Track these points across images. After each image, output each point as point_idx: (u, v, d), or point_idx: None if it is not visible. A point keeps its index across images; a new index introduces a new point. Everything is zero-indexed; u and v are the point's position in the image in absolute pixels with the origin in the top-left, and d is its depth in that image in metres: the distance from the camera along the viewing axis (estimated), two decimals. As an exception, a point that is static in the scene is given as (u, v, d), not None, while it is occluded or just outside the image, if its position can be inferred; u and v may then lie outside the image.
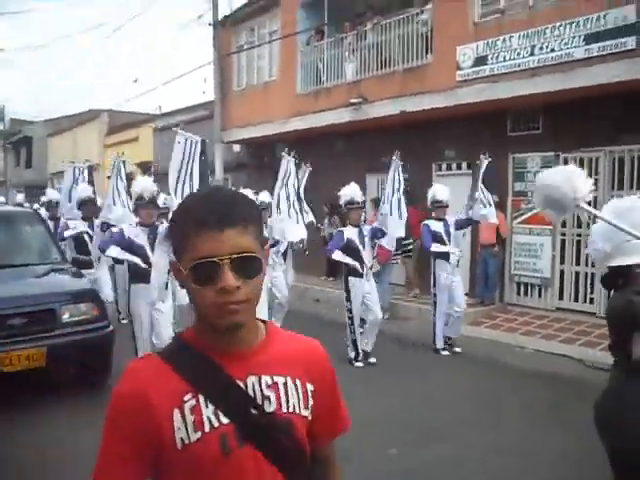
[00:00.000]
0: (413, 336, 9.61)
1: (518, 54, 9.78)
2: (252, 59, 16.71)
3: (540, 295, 10.73)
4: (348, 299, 8.08)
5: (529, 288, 10.88)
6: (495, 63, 10.14)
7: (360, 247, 7.94)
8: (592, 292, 10.04)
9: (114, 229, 6.98)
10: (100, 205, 9.33)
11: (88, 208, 9.15)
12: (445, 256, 8.49)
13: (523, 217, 10.14)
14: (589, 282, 10.11)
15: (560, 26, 9.22)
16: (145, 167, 22.74)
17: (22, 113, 44.92)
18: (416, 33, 11.69)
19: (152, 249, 6.26)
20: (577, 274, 10.30)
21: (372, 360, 8.17)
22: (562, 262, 10.42)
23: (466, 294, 11.52)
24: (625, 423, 2.73)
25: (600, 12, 8.76)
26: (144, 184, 6.61)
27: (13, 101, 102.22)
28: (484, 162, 8.58)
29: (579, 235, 10.16)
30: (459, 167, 11.78)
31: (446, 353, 8.68)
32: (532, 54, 9.58)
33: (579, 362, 8.34)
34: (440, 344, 8.71)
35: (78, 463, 4.69)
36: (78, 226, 8.92)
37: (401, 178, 8.32)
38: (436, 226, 8.53)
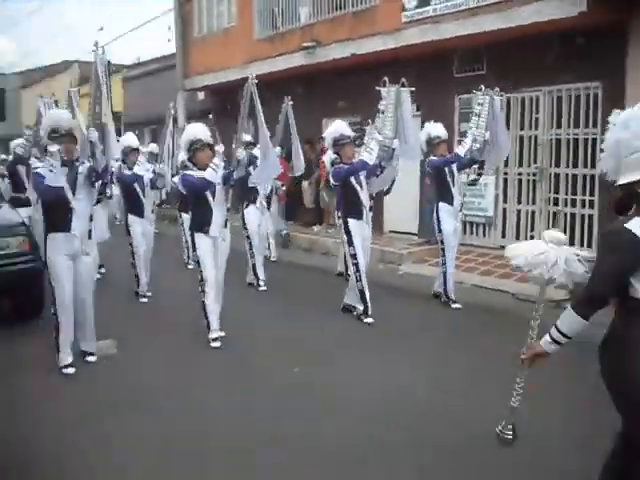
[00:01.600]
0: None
1: (459, -6, 9.86)
2: (212, 5, 16.61)
3: (485, 234, 11.01)
4: (350, 243, 7.33)
5: (474, 227, 11.16)
6: (438, 4, 10.23)
7: (357, 187, 7.37)
8: (532, 230, 10.34)
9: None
10: None
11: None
12: (449, 199, 7.92)
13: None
14: (530, 220, 10.40)
15: (499, -35, 9.31)
16: (115, 117, 22.77)
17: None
18: (365, -26, 11.70)
19: (73, 190, 5.62)
20: (519, 212, 10.58)
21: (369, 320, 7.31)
22: (505, 201, 10.69)
23: (415, 234, 11.88)
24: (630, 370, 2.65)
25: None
26: (59, 115, 5.95)
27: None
28: (496, 99, 8.04)
29: (520, 174, 10.42)
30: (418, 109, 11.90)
31: (458, 306, 7.99)
32: (472, -7, 9.67)
33: (512, 296, 8.67)
34: (452, 295, 8.09)
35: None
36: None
37: None
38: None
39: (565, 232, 9.46)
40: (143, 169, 8.47)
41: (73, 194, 5.61)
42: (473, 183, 8.67)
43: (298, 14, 13.35)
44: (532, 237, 10.31)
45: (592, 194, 9.49)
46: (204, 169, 6.36)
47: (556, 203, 9.93)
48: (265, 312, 7.93)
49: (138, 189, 8.44)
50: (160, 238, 10.58)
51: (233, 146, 6.54)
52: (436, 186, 8.07)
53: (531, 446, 3.99)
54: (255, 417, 4.77)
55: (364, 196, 7.42)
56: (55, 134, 5.65)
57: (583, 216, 9.63)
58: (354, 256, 7.32)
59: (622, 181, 2.65)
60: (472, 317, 7.64)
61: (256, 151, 8.13)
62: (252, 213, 9.18)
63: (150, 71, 21.55)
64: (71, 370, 5.68)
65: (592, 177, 9.43)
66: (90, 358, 5.95)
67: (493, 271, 9.62)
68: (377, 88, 7.52)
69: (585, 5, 8.26)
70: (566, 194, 9.82)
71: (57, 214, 5.61)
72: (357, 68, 12.03)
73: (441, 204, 7.94)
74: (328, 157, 7.85)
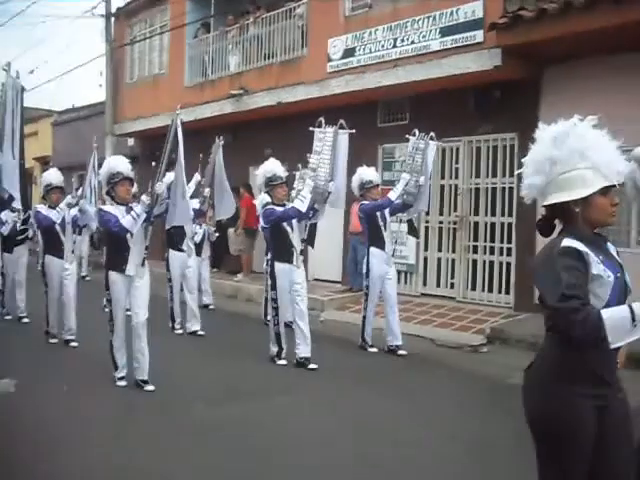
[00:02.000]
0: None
1: (382, 46, 10.15)
2: (144, 52, 16.66)
3: (406, 281, 11.08)
4: (273, 287, 7.26)
5: (398, 275, 11.21)
6: (362, 55, 10.49)
7: (288, 229, 7.22)
8: (452, 277, 10.47)
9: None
10: None
11: None
12: (381, 244, 7.91)
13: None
14: (450, 268, 10.53)
15: (419, 20, 9.63)
16: (43, 161, 22.41)
17: None
18: (294, 26, 11.95)
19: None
20: (439, 260, 10.71)
21: (313, 366, 7.18)
22: (426, 249, 10.82)
23: (338, 281, 11.89)
24: (537, 394, 2.61)
25: (453, 7, 9.21)
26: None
27: None
28: (431, 145, 8.14)
29: (441, 222, 10.60)
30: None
31: (374, 350, 8.02)
32: (395, 46, 9.97)
33: (430, 341, 8.71)
34: (369, 340, 8.09)
35: None
36: None
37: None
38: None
39: (483, 279, 9.77)
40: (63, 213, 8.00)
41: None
42: (413, 233, 8.87)
43: (227, 63, 13.47)
44: (452, 285, 10.46)
45: (510, 242, 9.70)
46: (123, 204, 6.21)
47: (475, 251, 10.10)
48: (190, 355, 7.89)
49: (58, 228, 7.99)
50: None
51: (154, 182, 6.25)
52: (368, 231, 8.01)
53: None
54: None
55: (295, 238, 7.31)
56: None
57: (501, 263, 9.81)
58: (275, 300, 7.25)
59: (552, 200, 2.56)
60: (389, 361, 7.64)
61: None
62: (175, 257, 8.96)
63: (81, 116, 21.33)
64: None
65: (509, 225, 9.66)
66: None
67: (413, 317, 9.66)
68: (311, 129, 7.50)
69: (499, 59, 8.61)
70: (485, 241, 10.01)
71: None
72: (284, 116, 12.17)
73: (372, 249, 7.90)
74: (260, 199, 7.71)
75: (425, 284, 10.86)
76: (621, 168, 2.51)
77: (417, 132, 8.09)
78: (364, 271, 8.01)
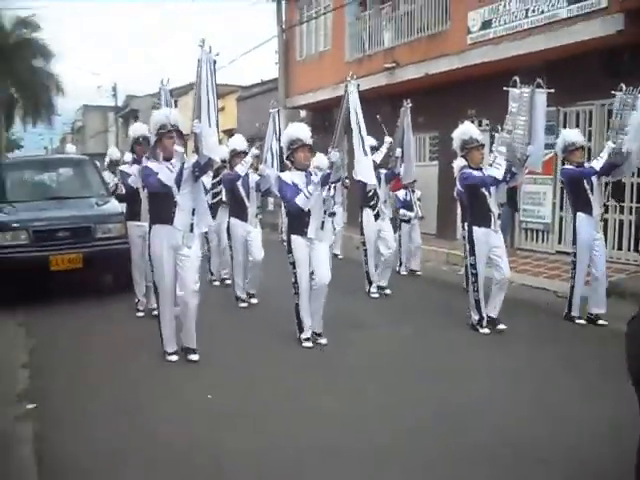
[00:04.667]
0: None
1: (516, 17, 10.75)
2: (311, 32, 18.21)
3: (543, 239, 11.70)
4: (472, 252, 7.08)
5: (534, 233, 11.86)
6: (498, 26, 11.14)
7: (486, 194, 6.99)
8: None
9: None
10: None
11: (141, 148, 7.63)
12: (588, 209, 7.38)
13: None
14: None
15: (548, -10, 10.15)
16: (230, 134, 24.87)
17: (130, 89, 48.55)
18: (437, 2, 12.78)
19: (178, 185, 5.70)
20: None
21: (501, 327, 7.10)
22: (561, 209, 11.34)
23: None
24: (636, 340, 2.65)
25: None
26: (165, 113, 6.01)
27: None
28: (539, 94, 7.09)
29: (575, 183, 11.04)
30: (480, 124, 12.80)
31: (582, 322, 7.48)
32: (526, 16, 10.54)
33: (553, 293, 9.39)
34: (577, 311, 7.57)
35: (100, 344, 6.55)
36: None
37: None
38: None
39: (614, 237, 10.08)
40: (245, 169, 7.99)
41: (178, 189, 5.69)
42: (617, 197, 8.35)
43: (382, 38, 14.55)
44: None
45: (639, 201, 10.02)
46: (303, 169, 6.42)
47: (606, 210, 10.44)
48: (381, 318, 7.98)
49: (242, 191, 8.19)
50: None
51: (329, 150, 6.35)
52: (573, 195, 7.65)
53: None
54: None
55: (493, 202, 7.09)
56: (163, 130, 5.76)
57: (630, 222, 10.13)
58: (474, 266, 7.08)
59: None
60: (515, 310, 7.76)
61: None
62: (369, 218, 8.96)
63: (260, 92, 23.43)
64: (174, 358, 5.94)
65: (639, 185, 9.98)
66: (192, 357, 5.90)
67: (542, 272, 10.33)
68: (505, 88, 7.18)
69: (622, 24, 8.97)
70: (616, 201, 10.35)
71: (162, 208, 5.74)
72: (430, 87, 13.07)
73: (579, 214, 7.45)
74: (457, 163, 7.61)
75: (560, 242, 11.42)
76: None
77: (624, 86, 7.31)
78: (572, 237, 7.61)
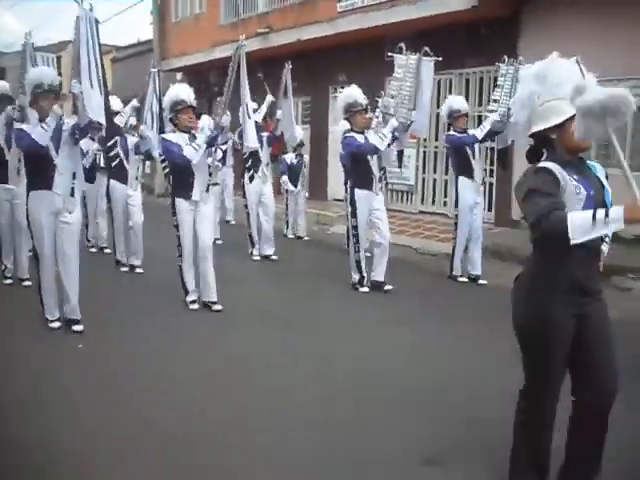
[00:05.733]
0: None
1: (382, -13, 11.30)
2: (186, -7, 18.12)
3: (407, 200, 12.46)
4: (353, 214, 7.26)
5: (399, 194, 12.61)
6: (365, -5, 11.67)
7: (368, 157, 7.17)
8: (446, 196, 11.77)
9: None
10: None
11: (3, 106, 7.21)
12: (469, 173, 7.64)
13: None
14: (444, 188, 11.83)
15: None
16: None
17: None
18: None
19: (56, 148, 5.46)
20: (435, 181, 12.02)
21: (388, 287, 7.34)
22: (424, 171, 12.12)
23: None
24: (520, 301, 2.92)
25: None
26: (43, 71, 5.71)
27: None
28: (521, 67, 6.87)
29: (436, 147, 11.85)
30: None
31: (464, 280, 7.84)
32: (392, -13, 11.11)
33: (414, 250, 10.10)
34: (459, 270, 7.90)
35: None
36: None
37: None
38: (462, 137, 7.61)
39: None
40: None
41: (56, 152, 5.46)
42: (502, 163, 8.28)
43: (256, 2, 14.77)
44: (445, 203, 11.77)
45: (492, 164, 10.89)
46: (186, 131, 6.32)
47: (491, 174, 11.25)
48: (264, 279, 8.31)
49: (121, 153, 8.08)
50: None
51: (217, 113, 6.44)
52: (455, 160, 7.87)
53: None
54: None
55: (374, 165, 7.24)
56: (39, 90, 5.44)
57: (487, 184, 10.98)
58: (355, 227, 7.26)
59: (535, 129, 2.83)
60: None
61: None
62: (252, 184, 9.03)
63: (134, 53, 22.99)
64: (56, 324, 5.75)
65: (492, 149, 10.81)
66: (76, 327, 5.69)
67: (405, 231, 11.07)
68: (390, 54, 7.36)
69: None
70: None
71: (40, 172, 5.50)
72: (304, 53, 13.44)
73: (461, 178, 7.67)
74: (340, 127, 7.53)
75: (422, 202, 12.21)
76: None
77: (506, 58, 7.55)
78: (453, 200, 7.94)
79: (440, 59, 7.33)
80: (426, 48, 7.23)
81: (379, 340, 5.73)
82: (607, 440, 2.90)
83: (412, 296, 7.32)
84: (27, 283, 7.26)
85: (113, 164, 8.07)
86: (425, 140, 11.70)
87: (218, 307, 6.50)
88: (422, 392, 4.47)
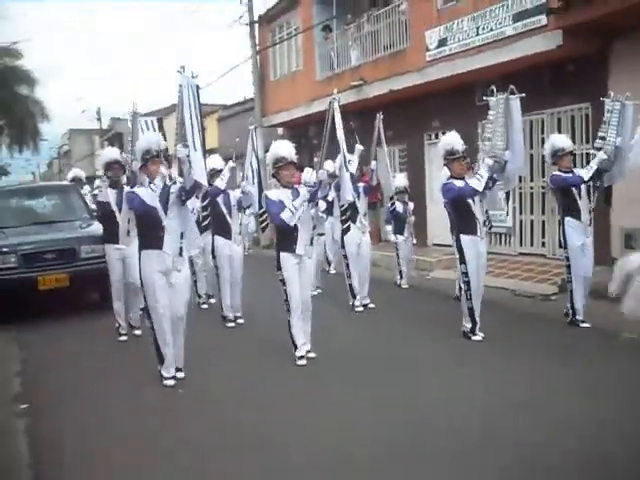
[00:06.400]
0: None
1: (468, 35, 11.52)
2: (284, 53, 19.01)
3: (506, 242, 12.41)
4: (462, 261, 7.18)
5: (497, 236, 12.57)
6: (452, 43, 11.91)
7: (470, 201, 7.10)
8: (544, 237, 11.65)
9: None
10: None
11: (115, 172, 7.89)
12: (577, 214, 7.50)
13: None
14: (541, 229, 11.73)
15: (496, 8, 10.91)
16: (211, 153, 25.57)
17: (115, 112, 49.30)
18: (398, 21, 13.56)
19: (165, 209, 5.81)
20: (532, 223, 11.93)
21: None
22: (521, 213, 12.06)
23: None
24: None
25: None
26: (150, 137, 6.18)
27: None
28: (628, 104, 7.22)
29: (532, 188, 11.79)
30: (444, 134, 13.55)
31: (587, 325, 7.50)
32: (477, 34, 11.30)
33: (511, 292, 10.04)
34: (581, 315, 7.59)
35: (88, 355, 7.10)
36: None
37: None
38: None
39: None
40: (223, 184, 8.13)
41: (165, 212, 5.80)
42: (607, 201, 7.96)
43: (349, 56, 15.33)
44: (544, 243, 11.64)
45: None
46: (288, 187, 6.48)
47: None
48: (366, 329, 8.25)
49: (223, 208, 8.30)
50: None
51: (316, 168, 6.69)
52: (562, 201, 7.73)
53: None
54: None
55: (477, 210, 7.22)
56: (147, 155, 5.83)
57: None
58: (465, 274, 7.17)
59: None
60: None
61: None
62: (350, 234, 9.08)
63: (238, 112, 24.14)
64: (171, 382, 5.93)
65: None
66: (179, 374, 6.04)
67: (503, 273, 11.00)
68: (484, 98, 7.35)
69: (560, 39, 9.72)
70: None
71: (150, 232, 5.84)
72: (395, 102, 13.80)
73: (567, 219, 7.57)
74: (442, 173, 7.67)
75: (521, 244, 12.13)
76: None
77: (612, 93, 7.48)
78: (562, 241, 7.74)
79: (524, 95, 7.20)
80: (512, 87, 7.18)
81: (509, 394, 5.49)
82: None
83: (536, 346, 6.92)
84: (137, 332, 7.89)
85: (216, 220, 8.37)
86: (520, 181, 11.66)
87: (312, 355, 6.63)
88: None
